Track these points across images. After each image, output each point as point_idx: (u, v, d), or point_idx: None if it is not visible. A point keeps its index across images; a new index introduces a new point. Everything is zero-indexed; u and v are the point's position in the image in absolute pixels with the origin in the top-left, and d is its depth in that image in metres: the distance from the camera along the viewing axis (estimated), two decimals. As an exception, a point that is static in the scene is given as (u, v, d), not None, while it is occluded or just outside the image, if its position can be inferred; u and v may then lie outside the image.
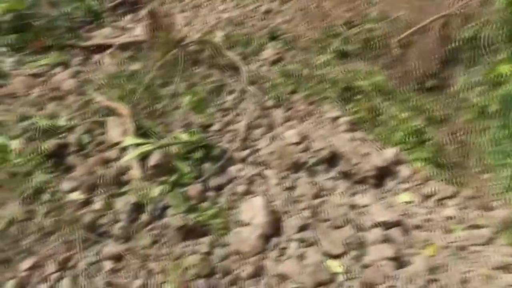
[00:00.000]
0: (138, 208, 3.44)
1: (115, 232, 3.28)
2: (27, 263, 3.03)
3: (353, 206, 3.68)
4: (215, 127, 4.42)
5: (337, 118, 4.54)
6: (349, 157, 4.09)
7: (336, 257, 3.18)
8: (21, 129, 4.11)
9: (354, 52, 5.23)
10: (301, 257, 3.18)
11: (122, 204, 3.45)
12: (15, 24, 6.88)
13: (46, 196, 3.46)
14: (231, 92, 4.84)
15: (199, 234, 3.37)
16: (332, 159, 4.13)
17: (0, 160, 3.74)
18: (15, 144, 3.87)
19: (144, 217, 3.41)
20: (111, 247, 3.17)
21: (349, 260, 3.17)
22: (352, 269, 3.10)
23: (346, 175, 4.01)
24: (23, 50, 6.59)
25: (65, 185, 3.56)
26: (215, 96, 4.79)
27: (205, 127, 4.41)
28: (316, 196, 3.76)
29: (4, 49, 6.58)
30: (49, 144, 3.92)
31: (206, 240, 3.32)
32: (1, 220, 3.27)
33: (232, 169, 3.97)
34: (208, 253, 3.22)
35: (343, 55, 5.24)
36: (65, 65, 5.97)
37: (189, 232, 3.36)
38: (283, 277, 3.05)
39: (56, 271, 3.00)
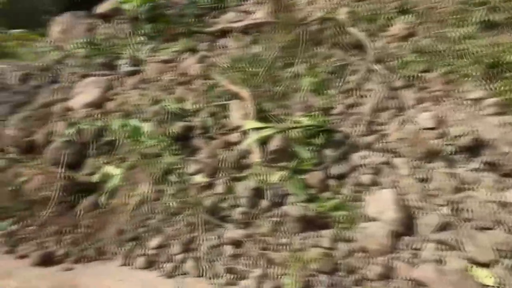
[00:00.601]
0: (258, 193, 3.37)
1: (235, 217, 3.26)
2: (154, 242, 3.19)
3: (503, 204, 3.08)
4: (337, 110, 4.12)
5: (480, 99, 3.85)
6: (496, 145, 3.44)
7: (484, 265, 2.68)
8: (153, 113, 4.36)
9: (503, 22, 4.38)
10: (439, 262, 2.76)
11: (242, 188, 3.41)
12: (151, 14, 7.44)
13: (173, 178, 3.60)
14: (354, 72, 4.46)
15: (320, 226, 3.16)
16: (474, 147, 3.52)
17: (134, 141, 4.02)
18: (147, 127, 4.12)
19: (263, 203, 3.32)
20: (231, 232, 3.16)
21: (502, 270, 2.64)
22: (507, 281, 2.57)
23: (492, 166, 3.38)
24: (156, 38, 7.12)
25: (191, 167, 3.67)
26: (337, 77, 4.46)
27: (326, 110, 4.13)
28: (457, 190, 3.24)
29: (141, 38, 7.18)
30: (177, 127, 4.07)
31: (327, 233, 3.09)
32: (134, 198, 3.51)
33: (356, 156, 3.65)
34: (331, 248, 2.99)
35: (488, 26, 4.44)
36: (193, 51, 6.24)
37: (309, 223, 3.17)
38: (417, 283, 2.68)
39: (180, 252, 3.10)
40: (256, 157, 3.65)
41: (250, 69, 4.81)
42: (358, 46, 4.68)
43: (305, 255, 2.92)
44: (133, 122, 4.22)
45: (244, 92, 4.37)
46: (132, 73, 5.87)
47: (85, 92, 5.25)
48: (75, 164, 4.10)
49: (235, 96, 4.47)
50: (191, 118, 4.29)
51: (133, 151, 3.94)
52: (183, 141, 4.00)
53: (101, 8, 8.43)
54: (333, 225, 3.15)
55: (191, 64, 5.71)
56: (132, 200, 3.52)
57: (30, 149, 4.75)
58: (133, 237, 3.29)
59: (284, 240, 3.10)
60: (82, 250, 3.30)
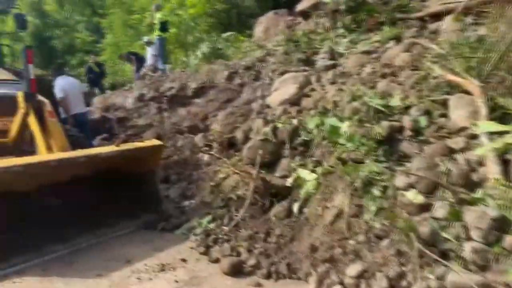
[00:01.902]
0: (499, 225, 2.39)
1: (465, 254, 2.39)
2: (353, 269, 2.61)
3: None
4: None
5: None
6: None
7: None
8: (352, 110, 3.79)
9: None
10: None
11: (474, 215, 2.48)
12: (351, 5, 6.95)
13: (376, 191, 2.95)
14: None
15: None
16: None
17: (331, 143, 3.53)
18: (345, 127, 3.57)
19: (509, 239, 2.34)
20: (458, 276, 2.31)
21: None
22: None
23: None
24: (356, 30, 6.58)
25: (399, 179, 2.93)
26: None
27: None
28: None
29: (341, 30, 6.75)
30: (381, 127, 3.40)
31: None
32: (329, 211, 3.02)
33: None
34: None
35: None
36: (398, 39, 5.46)
37: None
38: None
39: (387, 289, 2.43)
40: (493, 171, 2.68)
41: (476, 56, 3.74)
42: None
43: None
44: (331, 120, 3.72)
45: (471, 84, 3.38)
46: (330, 67, 5.47)
47: (282, 89, 5.07)
48: (269, 164, 3.89)
49: (458, 89, 3.51)
50: (399, 116, 3.54)
51: (330, 155, 3.46)
52: (390, 145, 3.30)
53: (301, 5, 8.38)
54: None
55: (397, 54, 4.92)
56: (327, 213, 3.04)
57: (231, 146, 4.85)
58: (328, 258, 2.79)
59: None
60: (273, 263, 2.99)
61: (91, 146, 5.13)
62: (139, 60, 10.78)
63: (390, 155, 3.22)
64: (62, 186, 3.47)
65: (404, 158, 3.19)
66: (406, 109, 3.59)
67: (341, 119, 3.70)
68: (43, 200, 3.38)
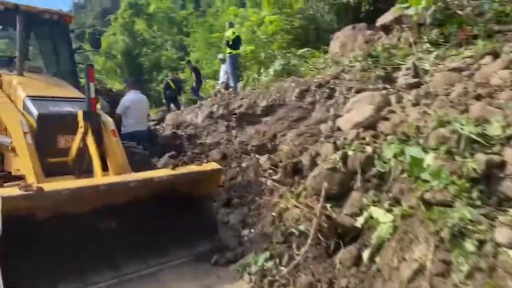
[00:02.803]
0: None
1: None
2: None
3: None
4: None
5: None
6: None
7: None
8: (439, 138, 3.18)
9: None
10: None
11: None
12: (439, 16, 6.26)
13: (469, 244, 2.34)
14: None
15: None
16: None
17: (412, 178, 2.97)
18: (431, 159, 2.98)
19: None
20: None
21: None
22: None
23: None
24: (444, 44, 5.85)
25: (501, 232, 2.29)
26: None
27: None
28: None
29: (426, 45, 6.07)
30: (476, 161, 2.76)
31: None
32: (407, 264, 2.46)
33: None
34: None
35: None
36: (495, 54, 4.68)
37: None
38: None
39: None
40: None
41: None
42: None
43: None
44: (412, 150, 3.15)
45: None
46: (413, 86, 4.85)
47: (356, 110, 4.56)
48: (337, 197, 3.41)
49: None
50: (499, 148, 2.87)
51: (410, 192, 2.89)
52: (487, 185, 2.66)
53: (383, 19, 7.78)
54: None
55: (494, 71, 4.18)
56: (404, 266, 2.49)
57: (296, 172, 4.44)
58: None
59: None
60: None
61: (150, 167, 5.04)
62: (196, 74, 10.99)
63: (488, 198, 2.58)
64: (114, 210, 3.34)
65: (507, 202, 2.54)
66: (508, 139, 2.91)
67: (425, 149, 3.11)
68: (95, 224, 3.26)
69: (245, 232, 4.20)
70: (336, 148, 3.89)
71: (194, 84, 11.57)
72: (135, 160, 4.72)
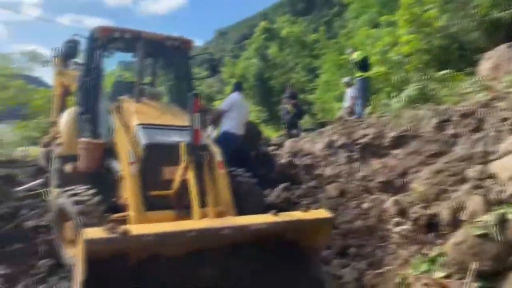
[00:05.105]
0: None
1: None
2: None
3: None
4: None
5: None
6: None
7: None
8: None
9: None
10: None
11: None
12: None
13: None
14: None
15: None
16: None
17: None
18: None
19: None
20: None
21: None
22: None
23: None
24: None
25: None
26: None
27: None
28: None
29: None
30: None
31: None
32: None
33: None
34: None
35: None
36: None
37: None
38: None
39: None
40: None
41: None
42: None
43: None
44: None
45: None
46: None
47: None
48: (490, 277, 2.48)
49: None
50: None
51: None
52: None
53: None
54: None
55: None
56: None
57: (431, 226, 3.54)
58: None
59: None
60: None
61: (258, 198, 4.64)
62: (295, 102, 10.22)
63: None
64: (207, 255, 2.98)
65: None
66: None
67: None
68: (185, 269, 2.94)
69: (361, 295, 3.46)
70: (489, 204, 2.92)
71: (288, 113, 10.08)
72: (242, 190, 4.39)
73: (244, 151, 6.60)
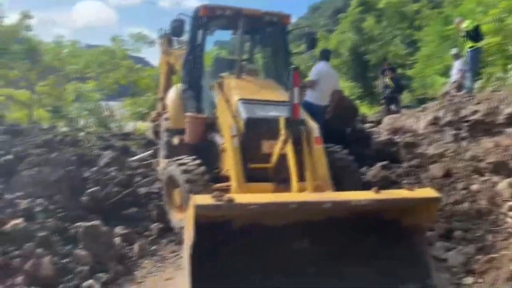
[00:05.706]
0: None
1: None
2: None
3: None
4: None
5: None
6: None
7: None
8: None
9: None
10: None
11: None
12: None
13: None
14: None
15: None
16: None
17: None
18: None
19: None
20: None
21: None
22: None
23: None
24: None
25: None
26: None
27: None
28: None
29: None
30: None
31: None
32: None
33: None
34: None
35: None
36: None
37: None
38: None
39: None
40: None
41: None
42: None
43: None
44: None
45: None
46: None
47: None
48: None
49: None
50: None
51: None
52: None
53: None
54: None
55: None
56: None
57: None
58: None
59: None
60: None
61: (355, 175, 4.54)
62: (395, 78, 9.47)
63: None
64: (306, 228, 3.03)
65: None
66: None
67: None
68: (285, 239, 3.03)
69: (468, 280, 3.25)
70: None
71: (387, 88, 9.64)
72: (339, 167, 4.33)
73: (340, 127, 6.43)
